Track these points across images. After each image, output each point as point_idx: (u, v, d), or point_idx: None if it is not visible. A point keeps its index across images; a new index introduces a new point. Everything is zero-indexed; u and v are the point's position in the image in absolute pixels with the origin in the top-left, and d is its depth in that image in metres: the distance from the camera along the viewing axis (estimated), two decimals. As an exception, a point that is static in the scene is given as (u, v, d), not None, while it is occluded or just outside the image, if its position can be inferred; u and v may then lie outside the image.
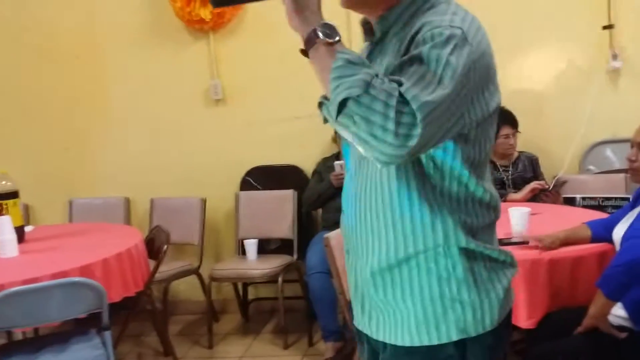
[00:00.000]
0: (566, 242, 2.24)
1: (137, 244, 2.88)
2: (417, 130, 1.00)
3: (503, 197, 3.31)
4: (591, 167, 3.69)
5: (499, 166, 3.41)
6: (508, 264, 1.29)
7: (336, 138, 3.53)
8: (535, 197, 3.23)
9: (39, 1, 4.02)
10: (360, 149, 1.09)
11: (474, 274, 1.22)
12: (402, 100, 1.01)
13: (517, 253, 2.17)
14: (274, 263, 3.57)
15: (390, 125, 1.00)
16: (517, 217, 2.35)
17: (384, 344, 1.28)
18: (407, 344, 1.24)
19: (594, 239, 2.27)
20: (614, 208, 3.19)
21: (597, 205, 3.27)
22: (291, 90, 3.88)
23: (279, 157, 3.97)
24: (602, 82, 3.64)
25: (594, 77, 3.62)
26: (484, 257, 1.23)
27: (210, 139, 4.02)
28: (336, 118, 1.05)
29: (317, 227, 3.90)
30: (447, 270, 1.20)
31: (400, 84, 1.02)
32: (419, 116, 1.00)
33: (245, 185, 4.00)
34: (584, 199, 3.29)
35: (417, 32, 1.11)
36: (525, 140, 3.52)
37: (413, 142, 1.01)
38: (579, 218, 2.72)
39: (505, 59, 3.67)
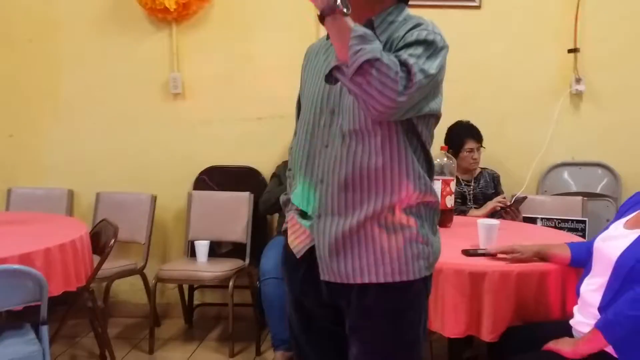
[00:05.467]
0: (538, 256, 2.19)
1: (82, 235, 2.71)
2: (413, 89, 1.30)
3: (464, 212, 3.28)
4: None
5: (461, 180, 3.38)
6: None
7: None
8: (495, 213, 3.22)
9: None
10: (364, 104, 1.31)
11: (434, 224, 1.55)
12: (403, 65, 1.30)
13: (486, 264, 2.17)
14: (225, 266, 3.41)
15: (395, 84, 1.27)
16: (485, 230, 2.30)
17: (361, 288, 1.47)
18: (390, 280, 1.46)
19: (574, 261, 2.14)
20: (570, 230, 3.22)
21: (554, 226, 3.29)
22: (253, 90, 3.78)
23: (237, 157, 3.82)
24: (565, 104, 3.67)
25: (557, 100, 3.65)
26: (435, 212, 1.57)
27: (165, 134, 3.85)
28: (351, 76, 1.27)
29: (272, 232, 3.78)
30: (420, 217, 1.49)
31: (398, 57, 1.32)
32: (416, 77, 1.30)
33: (199, 184, 3.84)
34: (541, 219, 3.30)
35: (410, 29, 1.40)
36: (487, 158, 3.51)
37: (407, 97, 1.29)
38: (541, 235, 2.73)
39: (471, 77, 3.68)
